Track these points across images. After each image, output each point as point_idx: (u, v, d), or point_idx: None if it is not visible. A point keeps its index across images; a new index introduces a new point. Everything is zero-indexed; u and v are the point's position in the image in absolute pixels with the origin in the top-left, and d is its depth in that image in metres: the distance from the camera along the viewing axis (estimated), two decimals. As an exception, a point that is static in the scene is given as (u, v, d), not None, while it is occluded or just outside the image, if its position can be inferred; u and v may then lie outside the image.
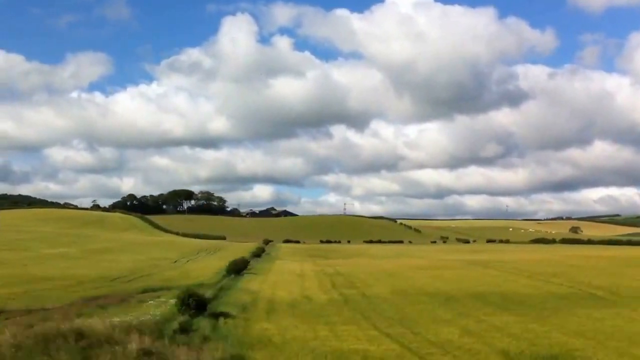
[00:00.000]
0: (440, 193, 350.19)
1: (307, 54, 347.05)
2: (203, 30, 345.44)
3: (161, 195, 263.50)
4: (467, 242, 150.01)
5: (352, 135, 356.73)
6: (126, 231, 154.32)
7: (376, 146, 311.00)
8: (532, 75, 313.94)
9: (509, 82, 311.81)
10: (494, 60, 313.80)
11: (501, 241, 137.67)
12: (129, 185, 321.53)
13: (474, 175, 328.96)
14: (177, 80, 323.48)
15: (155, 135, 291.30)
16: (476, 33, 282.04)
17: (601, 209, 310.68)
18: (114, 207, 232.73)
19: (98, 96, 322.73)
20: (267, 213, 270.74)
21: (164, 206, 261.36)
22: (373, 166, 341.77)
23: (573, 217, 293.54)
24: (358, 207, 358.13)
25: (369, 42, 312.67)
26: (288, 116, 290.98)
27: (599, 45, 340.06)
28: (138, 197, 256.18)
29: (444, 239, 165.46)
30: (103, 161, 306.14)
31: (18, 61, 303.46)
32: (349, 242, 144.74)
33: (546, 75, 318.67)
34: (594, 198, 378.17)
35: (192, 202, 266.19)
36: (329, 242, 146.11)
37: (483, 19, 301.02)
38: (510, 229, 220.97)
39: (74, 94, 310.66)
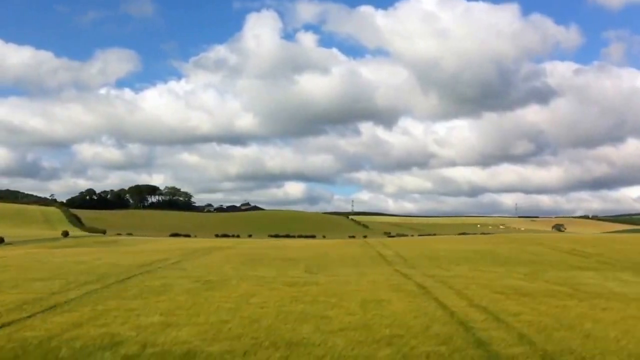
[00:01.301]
0: (474, 191, 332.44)
1: (332, 50, 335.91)
2: (228, 27, 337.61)
3: (122, 190, 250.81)
4: (392, 236, 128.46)
5: (381, 132, 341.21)
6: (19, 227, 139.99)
7: (406, 143, 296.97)
8: (559, 72, 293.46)
9: (536, 79, 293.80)
10: (519, 57, 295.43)
11: (434, 234, 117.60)
12: (158, 181, 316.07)
13: (507, 173, 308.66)
14: (204, 77, 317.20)
15: (183, 131, 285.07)
16: (501, 30, 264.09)
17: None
18: (72, 203, 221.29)
19: (126, 92, 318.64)
20: (236, 208, 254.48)
21: (131, 201, 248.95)
22: (404, 163, 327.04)
23: (611, 215, 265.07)
24: (391, 205, 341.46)
25: (393, 39, 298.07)
26: (315, 113, 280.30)
27: (624, 42, 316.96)
28: (98, 192, 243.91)
29: (388, 234, 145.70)
30: (132, 157, 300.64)
31: (47, 58, 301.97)
32: (250, 236, 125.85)
33: (573, 72, 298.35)
34: (633, 196, 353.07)
35: (160, 197, 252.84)
36: (225, 236, 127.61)
37: (507, 16, 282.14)
38: (490, 227, 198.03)
39: (103, 91, 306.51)
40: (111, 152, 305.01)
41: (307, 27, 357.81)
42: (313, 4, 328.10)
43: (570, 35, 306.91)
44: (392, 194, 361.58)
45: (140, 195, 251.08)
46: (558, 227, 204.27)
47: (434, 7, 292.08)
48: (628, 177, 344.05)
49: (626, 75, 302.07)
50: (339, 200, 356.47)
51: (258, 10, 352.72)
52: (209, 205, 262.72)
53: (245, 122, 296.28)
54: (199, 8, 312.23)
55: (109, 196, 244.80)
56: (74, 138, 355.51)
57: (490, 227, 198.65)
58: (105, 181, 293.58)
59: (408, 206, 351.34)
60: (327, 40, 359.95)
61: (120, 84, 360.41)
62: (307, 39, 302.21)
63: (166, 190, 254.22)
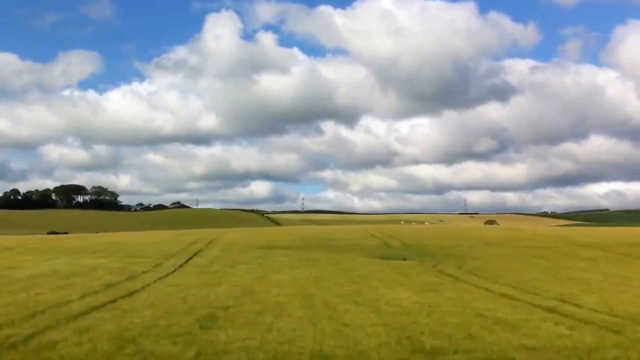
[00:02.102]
0: (440, 189, 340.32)
1: (292, 50, 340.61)
2: (188, 28, 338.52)
3: (47, 190, 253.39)
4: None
5: (343, 131, 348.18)
6: None
7: (368, 142, 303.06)
8: (517, 69, 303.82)
9: (495, 77, 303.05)
10: (477, 54, 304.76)
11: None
12: (125, 181, 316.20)
13: (472, 170, 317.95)
14: (165, 78, 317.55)
15: (148, 132, 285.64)
16: (458, 27, 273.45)
17: (606, 204, 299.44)
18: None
19: (90, 94, 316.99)
20: (163, 207, 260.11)
21: (58, 201, 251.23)
22: (367, 162, 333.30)
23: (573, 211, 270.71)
24: (357, 204, 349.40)
25: (352, 38, 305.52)
26: (276, 112, 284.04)
27: (580, 39, 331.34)
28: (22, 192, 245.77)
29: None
30: (98, 158, 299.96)
31: (11, 60, 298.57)
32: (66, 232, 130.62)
33: (532, 69, 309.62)
34: (599, 193, 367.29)
35: (87, 197, 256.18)
36: (55, 233, 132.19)
37: (464, 14, 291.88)
38: (402, 222, 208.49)
39: (66, 92, 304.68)
40: (77, 153, 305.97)
41: (267, 27, 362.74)
42: (272, 4, 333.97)
43: (527, 33, 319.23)
44: (358, 192, 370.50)
45: (66, 195, 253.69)
46: (490, 222, 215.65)
47: (391, 5, 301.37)
48: (593, 174, 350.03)
49: (585, 71, 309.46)
50: (305, 199, 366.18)
51: (217, 10, 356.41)
52: (140, 204, 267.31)
53: (208, 122, 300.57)
54: (158, 9, 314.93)
55: (34, 196, 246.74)
56: (40, 139, 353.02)
57: (427, 222, 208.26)
58: (72, 182, 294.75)
59: (374, 204, 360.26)
60: (286, 40, 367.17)
61: (84, 85, 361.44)
62: (267, 39, 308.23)
63: (92, 190, 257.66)
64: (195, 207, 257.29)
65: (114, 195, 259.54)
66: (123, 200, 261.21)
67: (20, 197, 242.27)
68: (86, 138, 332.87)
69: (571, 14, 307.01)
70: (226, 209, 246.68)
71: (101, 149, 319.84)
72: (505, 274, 21.13)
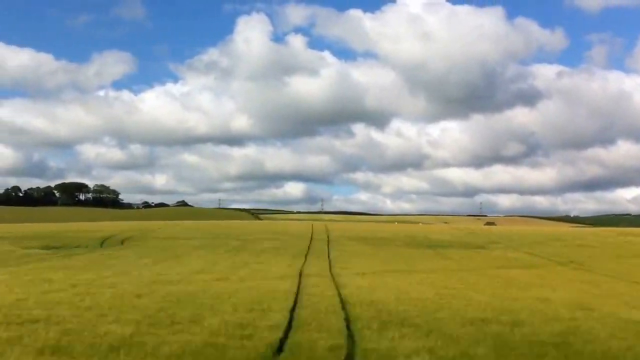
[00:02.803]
0: (469, 192, 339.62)
1: (322, 53, 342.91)
2: (219, 30, 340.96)
3: (48, 187, 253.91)
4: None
5: (374, 134, 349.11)
6: None
7: (399, 145, 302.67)
8: (544, 74, 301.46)
9: (522, 81, 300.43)
10: (504, 59, 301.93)
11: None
12: (161, 181, 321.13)
13: (501, 174, 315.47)
14: (198, 80, 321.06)
15: (181, 132, 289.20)
16: (485, 32, 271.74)
17: (634, 208, 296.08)
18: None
19: (125, 94, 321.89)
20: (165, 205, 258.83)
21: (59, 199, 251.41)
22: (399, 164, 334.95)
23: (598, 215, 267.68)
24: (390, 206, 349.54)
25: (381, 41, 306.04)
26: (308, 114, 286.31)
27: (606, 45, 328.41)
28: (30, 188, 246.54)
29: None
30: (134, 158, 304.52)
31: (47, 60, 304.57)
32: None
33: (559, 74, 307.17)
34: (627, 197, 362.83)
35: (90, 194, 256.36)
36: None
37: (492, 19, 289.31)
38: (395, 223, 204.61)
39: (101, 92, 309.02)
40: (114, 153, 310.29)
41: (297, 30, 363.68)
42: (302, 7, 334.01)
43: (554, 38, 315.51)
44: (390, 195, 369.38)
45: (67, 193, 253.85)
46: (489, 224, 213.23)
47: (419, 10, 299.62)
48: (622, 179, 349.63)
49: (611, 77, 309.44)
50: (337, 201, 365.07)
51: (248, 13, 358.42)
52: (145, 202, 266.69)
53: (241, 123, 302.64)
54: (189, 11, 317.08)
55: (35, 194, 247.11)
56: (77, 138, 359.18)
57: (420, 223, 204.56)
58: (109, 181, 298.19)
59: (405, 206, 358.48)
60: (316, 43, 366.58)
61: (118, 85, 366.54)
62: (297, 42, 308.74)
63: (95, 188, 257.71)
64: (219, 207, 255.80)
65: (115, 193, 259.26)
66: (160, 198, 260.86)
67: (21, 194, 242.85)
68: (122, 137, 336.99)
69: (596, 20, 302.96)
70: (239, 209, 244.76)
71: (137, 149, 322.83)
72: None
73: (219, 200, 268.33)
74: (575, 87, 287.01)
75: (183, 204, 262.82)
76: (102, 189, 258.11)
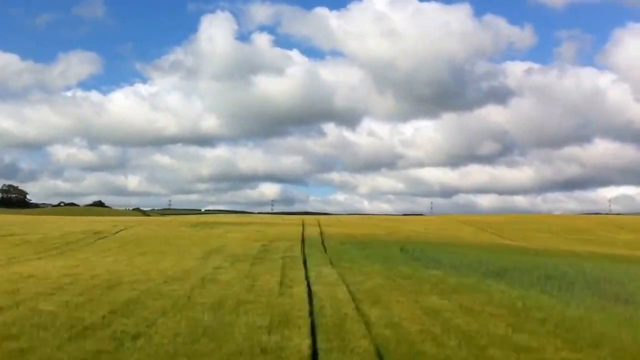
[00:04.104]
0: (447, 192, 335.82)
1: (288, 51, 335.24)
2: (183, 29, 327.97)
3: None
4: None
5: (345, 133, 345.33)
6: None
7: (371, 144, 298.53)
8: (515, 71, 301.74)
9: (493, 79, 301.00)
10: (473, 57, 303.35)
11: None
12: (134, 183, 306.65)
13: (478, 173, 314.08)
14: (166, 79, 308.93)
15: (151, 133, 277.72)
16: (453, 30, 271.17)
17: (616, 208, 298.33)
18: None
19: (93, 94, 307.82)
20: (75, 205, 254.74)
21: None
22: (372, 164, 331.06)
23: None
24: (367, 206, 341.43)
25: (348, 40, 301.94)
26: (277, 114, 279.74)
27: (575, 41, 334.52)
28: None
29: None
30: (105, 159, 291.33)
31: (13, 60, 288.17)
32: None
33: (530, 71, 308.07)
34: (608, 197, 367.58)
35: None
36: None
37: (460, 16, 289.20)
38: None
39: (69, 93, 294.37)
40: (85, 154, 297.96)
41: (262, 29, 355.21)
42: (266, 6, 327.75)
43: (524, 35, 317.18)
44: (367, 195, 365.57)
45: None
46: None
47: (385, 7, 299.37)
48: (601, 178, 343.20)
49: (583, 74, 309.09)
50: (314, 201, 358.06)
51: (212, 11, 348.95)
52: (62, 202, 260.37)
53: (210, 123, 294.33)
54: (151, 10, 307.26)
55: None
56: (47, 140, 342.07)
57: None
58: (82, 182, 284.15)
59: (384, 207, 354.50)
60: (282, 42, 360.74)
61: (85, 85, 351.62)
62: (262, 40, 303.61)
63: (2, 188, 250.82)
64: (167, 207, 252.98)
65: (23, 193, 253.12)
66: (136, 200, 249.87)
67: None
68: (92, 138, 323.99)
69: (563, 16, 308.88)
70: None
71: (108, 150, 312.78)
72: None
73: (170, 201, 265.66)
74: (547, 84, 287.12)
75: (99, 204, 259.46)
76: (9, 188, 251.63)
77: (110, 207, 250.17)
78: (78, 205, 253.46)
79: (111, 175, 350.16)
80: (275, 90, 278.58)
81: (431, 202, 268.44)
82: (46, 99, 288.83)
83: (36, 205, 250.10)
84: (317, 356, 8.32)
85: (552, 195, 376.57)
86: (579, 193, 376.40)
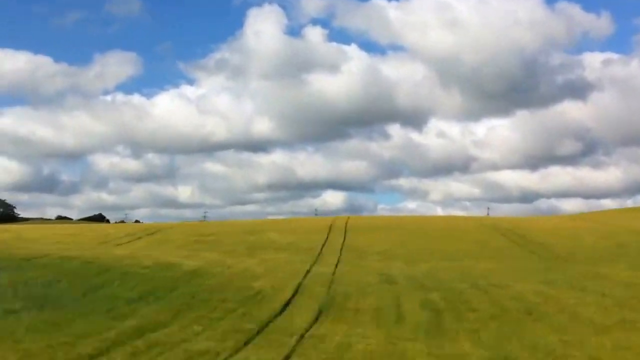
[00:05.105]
0: (527, 196, 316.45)
1: (343, 46, 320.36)
2: (228, 24, 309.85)
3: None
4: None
5: (412, 135, 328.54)
6: None
7: (441, 146, 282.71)
8: (593, 63, 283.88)
9: (569, 72, 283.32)
10: (546, 48, 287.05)
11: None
12: (186, 194, 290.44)
13: (559, 176, 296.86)
14: (212, 80, 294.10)
15: (200, 138, 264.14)
16: (523, 19, 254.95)
17: None
18: None
19: (135, 98, 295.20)
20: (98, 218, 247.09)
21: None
22: (443, 168, 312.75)
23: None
24: (441, 214, 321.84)
25: (408, 32, 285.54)
26: (335, 115, 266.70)
27: None
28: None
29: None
30: (151, 168, 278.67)
31: (45, 63, 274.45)
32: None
33: (609, 62, 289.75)
34: None
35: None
36: None
37: (529, 4, 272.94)
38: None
39: (108, 97, 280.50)
40: (129, 163, 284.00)
41: (315, 22, 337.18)
42: None
43: (600, 24, 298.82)
44: (440, 202, 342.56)
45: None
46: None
47: None
48: None
49: None
50: (383, 210, 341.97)
51: (260, 5, 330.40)
52: (60, 216, 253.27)
53: (262, 127, 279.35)
54: (191, 4, 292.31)
55: None
56: (87, 148, 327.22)
57: None
58: (128, 194, 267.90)
59: (460, 214, 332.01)
60: (336, 36, 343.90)
61: (124, 88, 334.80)
62: (315, 35, 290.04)
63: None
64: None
65: (10, 207, 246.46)
66: (189, 213, 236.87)
67: None
68: (136, 146, 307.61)
69: None
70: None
71: (153, 158, 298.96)
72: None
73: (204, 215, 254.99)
74: (629, 76, 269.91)
75: (99, 217, 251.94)
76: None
77: (109, 221, 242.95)
78: (71, 219, 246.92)
79: (159, 185, 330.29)
80: (332, 89, 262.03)
81: (488, 208, 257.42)
82: (83, 104, 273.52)
83: (25, 220, 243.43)
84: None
85: None
86: None
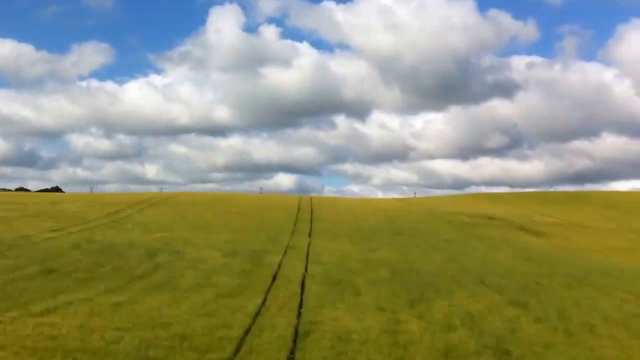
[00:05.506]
0: (459, 184, 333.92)
1: (296, 43, 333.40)
2: (192, 20, 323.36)
3: None
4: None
5: (356, 125, 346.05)
6: None
7: (382, 136, 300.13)
8: (519, 65, 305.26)
9: (498, 73, 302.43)
10: (478, 50, 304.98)
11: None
12: (152, 172, 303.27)
13: (488, 166, 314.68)
14: (177, 71, 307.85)
15: (165, 123, 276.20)
16: (457, 23, 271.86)
17: None
18: None
19: (108, 85, 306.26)
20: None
21: None
22: (384, 156, 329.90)
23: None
24: (382, 197, 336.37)
25: (354, 33, 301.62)
26: (288, 106, 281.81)
27: (576, 36, 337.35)
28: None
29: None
30: (122, 147, 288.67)
31: (27, 50, 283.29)
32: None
33: (534, 65, 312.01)
34: (621, 190, 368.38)
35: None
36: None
37: (463, 10, 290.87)
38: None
39: (84, 83, 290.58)
40: (102, 143, 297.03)
41: (270, 21, 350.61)
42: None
43: (527, 30, 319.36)
44: (381, 186, 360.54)
45: None
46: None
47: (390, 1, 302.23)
48: (611, 172, 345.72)
49: (587, 68, 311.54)
50: (330, 192, 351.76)
51: (220, 3, 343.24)
52: (21, 187, 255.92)
53: (222, 114, 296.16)
54: (159, 1, 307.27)
55: None
56: (64, 128, 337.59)
57: None
58: (101, 171, 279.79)
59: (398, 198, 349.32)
60: (290, 34, 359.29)
61: (99, 76, 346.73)
62: (270, 32, 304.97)
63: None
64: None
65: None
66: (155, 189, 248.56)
67: None
68: (108, 127, 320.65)
69: (564, 11, 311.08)
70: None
71: (124, 139, 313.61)
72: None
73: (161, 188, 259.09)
74: (552, 78, 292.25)
75: (21, 189, 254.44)
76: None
77: (64, 192, 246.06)
78: (29, 190, 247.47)
79: (129, 163, 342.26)
80: (285, 82, 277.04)
81: (414, 193, 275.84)
82: (61, 89, 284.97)
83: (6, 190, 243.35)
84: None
85: (564, 189, 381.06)
86: (591, 187, 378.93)
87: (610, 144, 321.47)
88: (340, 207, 53.48)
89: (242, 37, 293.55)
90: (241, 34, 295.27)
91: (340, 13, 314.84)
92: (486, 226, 44.23)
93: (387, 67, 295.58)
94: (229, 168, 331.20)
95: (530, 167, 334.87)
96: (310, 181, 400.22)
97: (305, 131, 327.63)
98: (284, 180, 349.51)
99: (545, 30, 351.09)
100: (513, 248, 33.63)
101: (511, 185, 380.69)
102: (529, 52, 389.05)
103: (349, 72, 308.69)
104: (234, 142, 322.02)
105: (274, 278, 18.76)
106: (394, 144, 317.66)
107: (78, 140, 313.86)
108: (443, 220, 46.40)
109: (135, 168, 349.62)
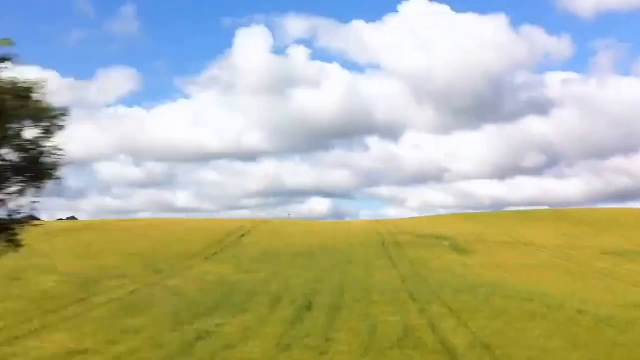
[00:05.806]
0: (497, 205, 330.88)
1: (326, 64, 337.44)
2: (219, 44, 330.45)
3: None
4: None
5: (389, 147, 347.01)
6: None
7: (416, 157, 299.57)
8: (554, 82, 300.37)
9: (533, 90, 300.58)
10: (511, 67, 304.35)
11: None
12: (183, 199, 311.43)
13: (526, 186, 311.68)
14: (205, 95, 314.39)
15: (195, 149, 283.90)
16: (490, 40, 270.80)
17: None
18: None
19: (135, 111, 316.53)
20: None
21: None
22: (418, 178, 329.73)
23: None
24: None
25: (384, 52, 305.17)
26: (318, 128, 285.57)
27: (612, 50, 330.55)
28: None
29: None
30: (151, 175, 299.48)
31: (53, 77, 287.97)
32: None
33: (570, 82, 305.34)
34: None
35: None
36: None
37: (495, 27, 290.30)
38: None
39: (111, 110, 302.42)
40: (130, 170, 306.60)
41: (299, 42, 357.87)
42: (302, 19, 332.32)
43: (561, 46, 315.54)
44: (417, 209, 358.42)
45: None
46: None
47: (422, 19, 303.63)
48: None
49: (624, 83, 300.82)
50: (366, 216, 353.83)
51: (247, 25, 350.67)
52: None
53: (252, 138, 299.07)
54: (185, 24, 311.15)
55: None
56: (92, 157, 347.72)
57: None
58: (131, 199, 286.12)
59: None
60: (319, 55, 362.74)
61: (126, 102, 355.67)
62: (299, 54, 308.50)
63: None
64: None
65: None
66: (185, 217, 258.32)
67: None
68: (136, 155, 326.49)
69: (598, 26, 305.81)
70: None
71: (154, 166, 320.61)
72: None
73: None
74: (587, 94, 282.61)
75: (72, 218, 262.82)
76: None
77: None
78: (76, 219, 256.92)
79: (159, 191, 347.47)
80: (315, 104, 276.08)
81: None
82: (88, 116, 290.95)
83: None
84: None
85: (602, 206, 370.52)
86: (632, 204, 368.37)
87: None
88: (283, 231, 56.80)
89: (271, 59, 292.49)
90: (270, 56, 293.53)
91: (370, 32, 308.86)
92: (419, 246, 46.01)
93: (420, 87, 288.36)
94: (261, 194, 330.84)
95: (568, 186, 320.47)
96: (345, 205, 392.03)
97: (337, 154, 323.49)
98: (318, 205, 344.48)
99: (580, 46, 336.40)
100: (409, 267, 35.62)
101: (550, 205, 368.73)
102: (564, 68, 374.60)
103: (381, 93, 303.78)
104: (265, 167, 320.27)
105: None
106: (428, 165, 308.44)
107: (106, 169, 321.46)
108: (378, 241, 48.65)
109: (166, 195, 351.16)
